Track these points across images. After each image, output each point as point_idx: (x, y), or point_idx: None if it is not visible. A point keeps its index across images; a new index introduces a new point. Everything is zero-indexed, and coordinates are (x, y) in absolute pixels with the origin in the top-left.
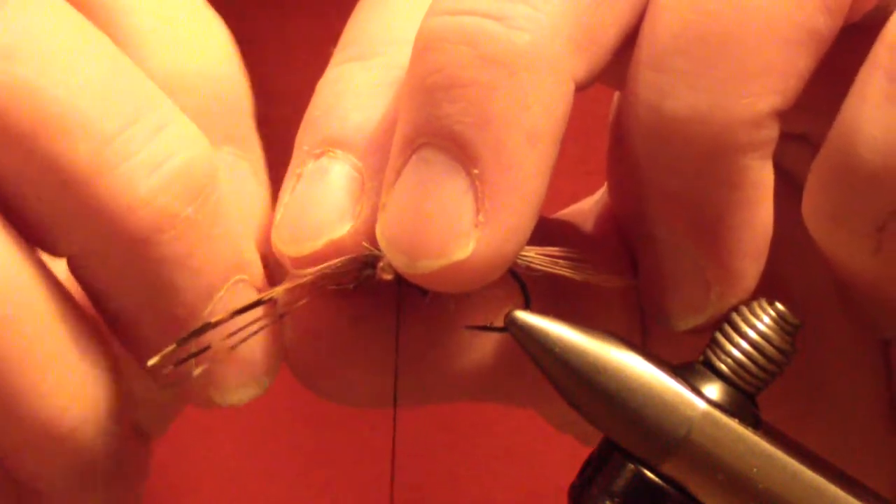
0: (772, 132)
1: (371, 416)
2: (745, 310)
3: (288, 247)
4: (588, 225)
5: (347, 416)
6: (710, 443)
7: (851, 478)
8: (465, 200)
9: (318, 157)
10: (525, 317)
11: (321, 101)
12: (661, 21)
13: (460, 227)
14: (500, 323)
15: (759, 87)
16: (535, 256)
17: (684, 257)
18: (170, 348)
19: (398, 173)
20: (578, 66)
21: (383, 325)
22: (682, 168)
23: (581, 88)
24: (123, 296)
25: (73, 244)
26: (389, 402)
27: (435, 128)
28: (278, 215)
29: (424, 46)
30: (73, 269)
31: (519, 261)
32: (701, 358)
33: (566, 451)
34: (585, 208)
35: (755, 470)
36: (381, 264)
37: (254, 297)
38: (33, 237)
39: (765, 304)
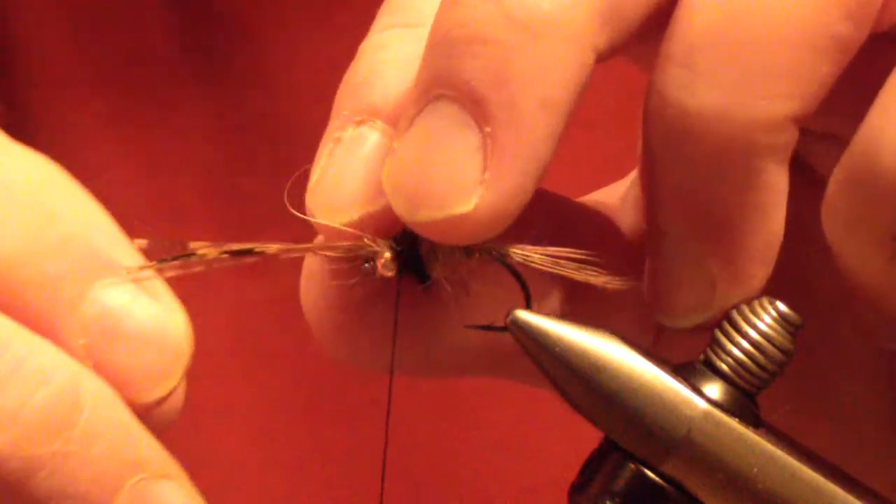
0: (789, 137)
1: (369, 411)
2: (745, 309)
3: (323, 214)
4: (609, 213)
5: (346, 409)
6: (711, 442)
7: (851, 478)
8: (474, 156)
9: (357, 124)
10: (525, 316)
11: (364, 65)
12: (689, 17)
13: (465, 182)
14: (500, 322)
15: (780, 90)
16: (537, 256)
17: (690, 254)
18: (154, 264)
19: (411, 121)
20: (601, 37)
21: (392, 295)
22: (696, 164)
23: (601, 60)
24: None
25: None
26: (399, 368)
27: (453, 81)
28: (314, 177)
29: (451, 0)
30: None
31: (520, 258)
32: (701, 357)
33: (565, 444)
34: (614, 193)
35: (755, 470)
36: (381, 261)
37: (158, 490)
38: None
39: (766, 304)
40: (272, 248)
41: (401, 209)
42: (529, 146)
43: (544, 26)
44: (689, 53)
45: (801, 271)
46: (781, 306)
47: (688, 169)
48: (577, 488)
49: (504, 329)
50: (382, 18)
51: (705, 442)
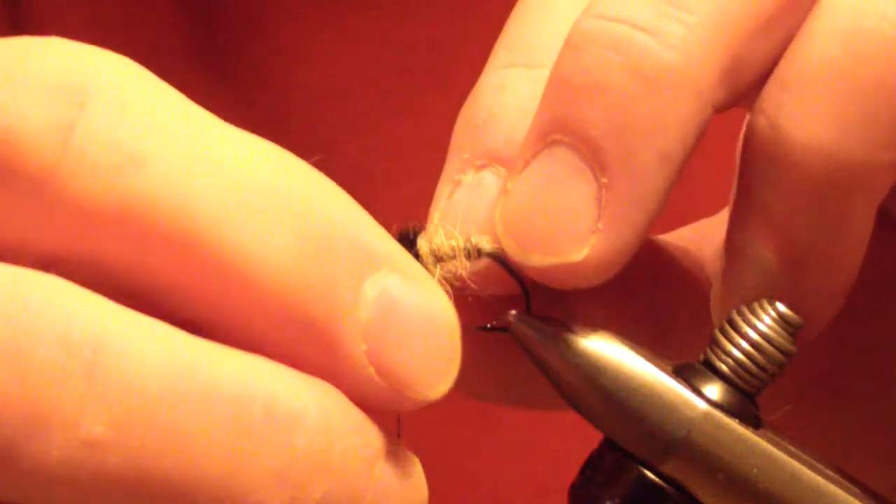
0: (887, 182)
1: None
2: (745, 309)
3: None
4: (693, 255)
5: None
6: (711, 443)
7: (851, 478)
8: (590, 205)
9: (478, 168)
10: (525, 317)
11: (484, 106)
12: (809, 48)
13: (579, 231)
14: (500, 322)
15: (890, 138)
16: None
17: (767, 278)
18: None
19: (527, 163)
20: (720, 93)
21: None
22: (790, 193)
23: (717, 112)
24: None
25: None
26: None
27: (572, 127)
28: (434, 220)
29: (575, 45)
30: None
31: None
32: (701, 357)
33: (580, 445)
34: (685, 236)
35: (755, 470)
36: None
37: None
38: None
39: (766, 304)
40: None
41: (512, 250)
42: (644, 199)
43: (668, 79)
44: (805, 85)
45: (863, 310)
46: (781, 307)
47: (779, 195)
48: (577, 488)
49: (504, 329)
50: (501, 55)
51: (705, 442)
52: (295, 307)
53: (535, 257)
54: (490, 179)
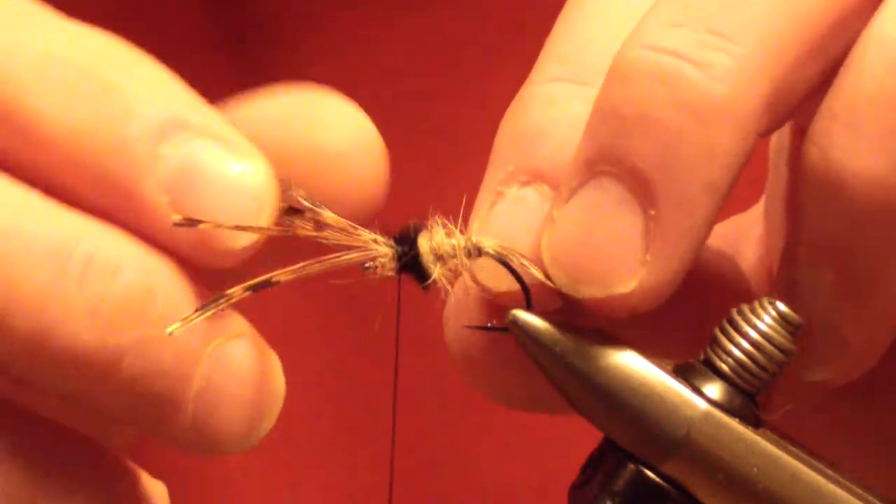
0: None
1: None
2: (746, 309)
3: (482, 270)
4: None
5: (363, 401)
6: (711, 443)
7: (851, 478)
8: (637, 238)
9: (522, 184)
10: (525, 317)
11: (532, 118)
12: (858, 80)
13: (628, 263)
14: (500, 322)
15: None
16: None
17: (824, 307)
18: (191, 315)
19: (573, 192)
20: (763, 122)
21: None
22: (844, 221)
23: (760, 139)
24: (111, 410)
25: (50, 390)
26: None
27: (619, 159)
28: (473, 229)
29: (622, 76)
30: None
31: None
32: (701, 357)
33: (580, 445)
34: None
35: (755, 470)
36: (380, 267)
37: (232, 350)
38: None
39: (766, 304)
40: (288, 272)
41: (561, 281)
42: (692, 230)
43: (714, 113)
44: (854, 115)
45: None
46: (781, 306)
47: (832, 224)
48: (577, 488)
49: (504, 329)
50: (551, 66)
51: (705, 442)
52: (95, 165)
53: (584, 289)
54: (534, 198)
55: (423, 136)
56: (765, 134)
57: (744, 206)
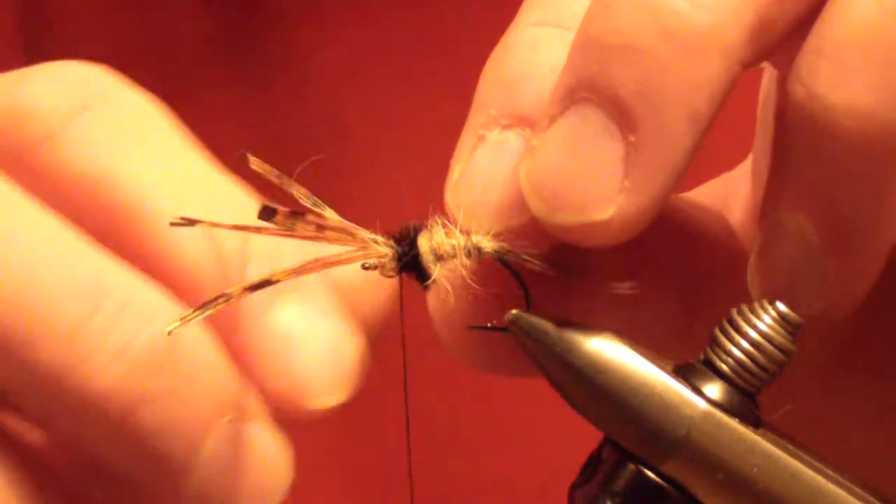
0: None
1: (392, 396)
2: (745, 309)
3: (463, 215)
4: (715, 212)
5: (363, 401)
6: (711, 443)
7: (852, 478)
8: (617, 165)
9: (504, 128)
10: (525, 317)
11: (515, 63)
12: (844, 13)
13: (605, 190)
14: (500, 322)
15: None
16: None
17: (808, 251)
18: (191, 313)
19: (553, 120)
20: (749, 51)
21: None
22: (829, 159)
23: (744, 71)
24: (119, 462)
25: (62, 431)
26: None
27: (600, 87)
28: (455, 173)
29: (605, 5)
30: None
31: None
32: (701, 357)
33: (580, 445)
34: (707, 192)
35: (755, 470)
36: (381, 268)
37: (247, 430)
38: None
39: (766, 304)
40: (288, 272)
41: (538, 209)
42: (672, 158)
43: (698, 41)
44: (842, 50)
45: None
46: (781, 306)
47: (817, 162)
48: (577, 488)
49: (504, 329)
50: (535, 11)
51: (705, 442)
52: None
53: (561, 216)
54: (515, 141)
55: (423, 136)
56: (749, 65)
57: (732, 165)
